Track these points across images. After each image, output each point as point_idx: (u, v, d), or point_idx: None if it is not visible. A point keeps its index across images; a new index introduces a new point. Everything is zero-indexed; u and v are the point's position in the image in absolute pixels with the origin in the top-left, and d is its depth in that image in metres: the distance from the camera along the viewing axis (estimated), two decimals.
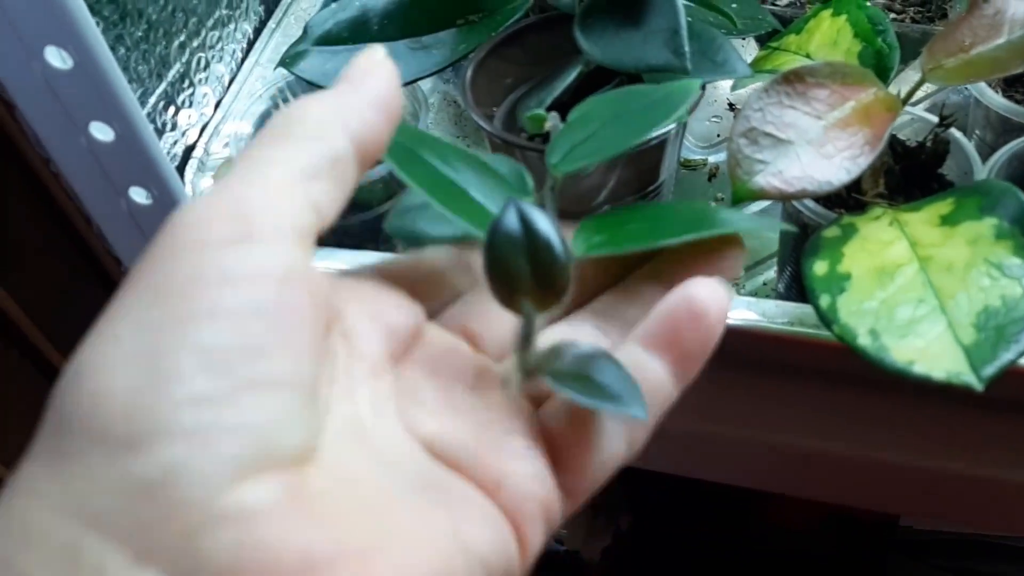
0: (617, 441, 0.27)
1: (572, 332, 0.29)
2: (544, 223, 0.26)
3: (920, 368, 0.33)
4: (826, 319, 0.36)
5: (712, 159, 0.60)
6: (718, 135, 0.61)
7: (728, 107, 0.63)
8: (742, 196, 0.38)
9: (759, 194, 0.38)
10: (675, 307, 0.27)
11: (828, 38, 0.48)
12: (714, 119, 0.62)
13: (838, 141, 0.38)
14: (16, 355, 0.50)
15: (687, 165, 0.60)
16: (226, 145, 0.53)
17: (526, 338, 0.26)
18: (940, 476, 0.47)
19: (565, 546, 0.86)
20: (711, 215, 0.31)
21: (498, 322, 0.29)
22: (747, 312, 0.43)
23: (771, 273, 0.54)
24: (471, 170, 0.30)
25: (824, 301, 0.36)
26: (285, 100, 0.56)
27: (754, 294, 0.53)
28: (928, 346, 0.34)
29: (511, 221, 0.26)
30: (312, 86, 0.54)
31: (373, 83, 0.26)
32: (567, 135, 0.33)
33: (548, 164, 0.32)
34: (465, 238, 0.30)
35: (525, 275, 0.26)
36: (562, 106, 0.46)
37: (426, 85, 0.50)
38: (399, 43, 0.51)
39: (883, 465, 0.48)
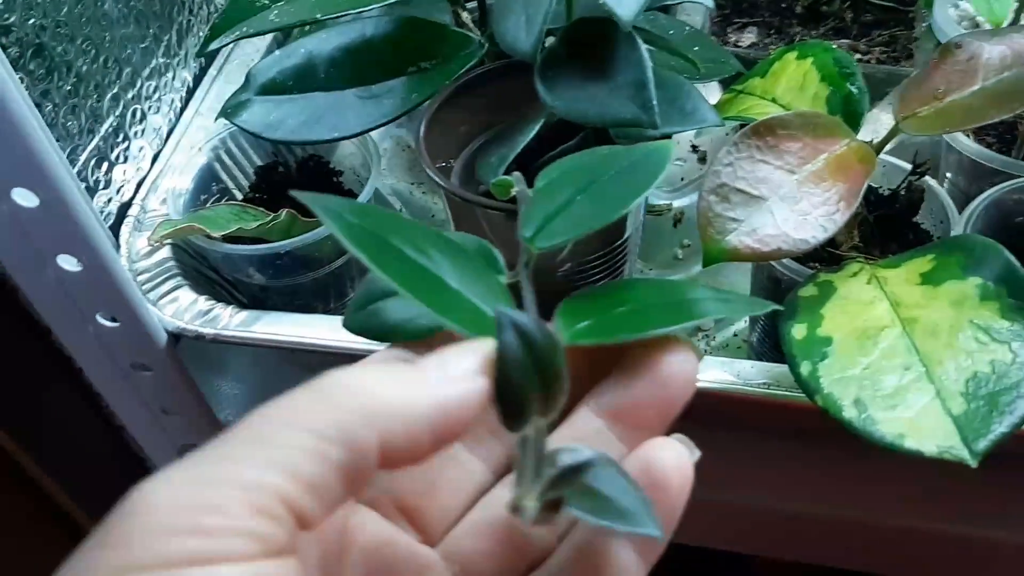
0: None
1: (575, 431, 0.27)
2: (543, 335, 0.24)
3: (911, 443, 0.31)
4: (808, 388, 0.34)
5: (677, 204, 0.58)
6: (682, 179, 0.60)
7: (692, 149, 0.61)
8: (715, 257, 0.36)
9: (732, 255, 0.36)
10: (636, 372, 0.25)
11: (795, 82, 0.47)
12: (677, 162, 0.61)
13: (813, 196, 0.36)
14: None
15: (651, 210, 0.58)
16: (163, 202, 0.50)
17: (539, 461, 0.24)
18: (935, 537, 0.45)
19: None
20: (698, 300, 0.29)
21: (443, 483, 0.26)
22: (722, 373, 0.41)
23: (741, 324, 0.52)
24: (443, 254, 0.27)
25: (805, 369, 0.34)
26: (227, 152, 0.54)
27: (725, 346, 0.51)
28: (917, 417, 0.32)
29: (512, 343, 0.24)
30: (255, 137, 0.51)
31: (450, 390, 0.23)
32: (539, 205, 0.31)
33: (522, 238, 0.30)
34: (437, 330, 0.28)
35: (534, 394, 0.24)
36: (525, 157, 0.43)
37: (377, 131, 0.47)
38: (347, 92, 0.48)
39: (872, 526, 0.46)
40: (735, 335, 0.52)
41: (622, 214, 0.30)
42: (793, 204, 0.36)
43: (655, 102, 0.38)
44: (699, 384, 0.40)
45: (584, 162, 0.32)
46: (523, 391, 0.23)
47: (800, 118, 0.39)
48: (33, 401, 0.53)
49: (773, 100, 0.47)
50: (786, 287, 0.42)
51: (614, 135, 0.42)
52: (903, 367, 0.33)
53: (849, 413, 0.32)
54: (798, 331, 0.35)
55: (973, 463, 0.30)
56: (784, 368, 0.40)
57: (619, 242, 0.45)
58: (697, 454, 0.26)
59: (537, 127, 0.41)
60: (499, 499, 0.26)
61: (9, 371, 0.51)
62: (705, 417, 0.46)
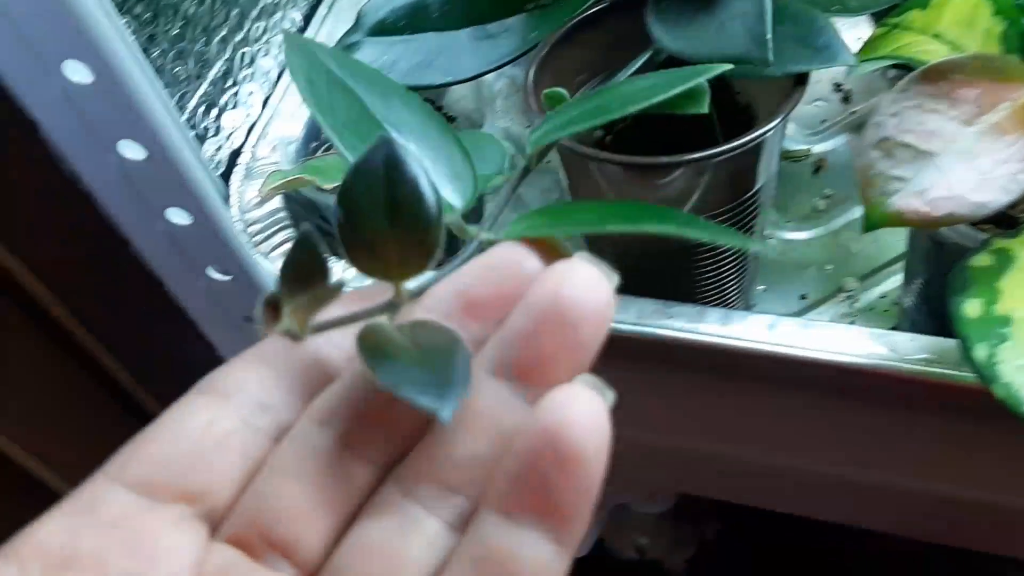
0: None
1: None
2: (411, 166, 0.22)
3: None
4: (985, 376, 0.30)
5: (817, 148, 0.53)
6: (823, 121, 0.55)
7: (835, 88, 0.56)
8: (877, 222, 0.32)
9: (897, 219, 0.32)
10: (535, 452, 0.19)
11: (962, 14, 0.41)
12: (818, 103, 0.55)
13: (993, 153, 0.32)
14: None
15: (788, 156, 0.54)
16: (274, 148, 0.48)
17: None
18: None
19: (647, 555, 0.81)
20: (673, 215, 0.26)
21: (321, 499, 0.21)
22: (873, 345, 0.37)
23: (891, 283, 0.47)
24: (415, 126, 0.28)
25: (981, 353, 0.30)
26: None
27: (870, 308, 0.47)
28: None
29: (372, 160, 0.22)
30: None
31: None
32: (561, 111, 0.30)
33: (529, 139, 0.30)
34: None
35: (385, 234, 0.22)
36: None
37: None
38: (461, 32, 0.45)
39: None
40: (882, 297, 0.47)
41: (624, 114, 0.29)
42: (970, 161, 0.32)
43: (769, 36, 0.34)
44: (845, 358, 0.37)
45: (624, 81, 0.30)
46: (369, 217, 0.22)
47: (979, 60, 0.34)
48: (155, 351, 0.53)
49: (936, 36, 0.42)
50: (950, 252, 0.37)
51: (728, 78, 0.37)
52: None
53: None
54: (972, 308, 0.31)
55: None
56: (947, 343, 0.36)
57: (749, 194, 0.41)
58: (611, 396, 0.20)
59: (639, 63, 0.38)
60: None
61: (128, 323, 0.51)
62: (848, 392, 0.42)
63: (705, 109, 0.35)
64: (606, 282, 0.21)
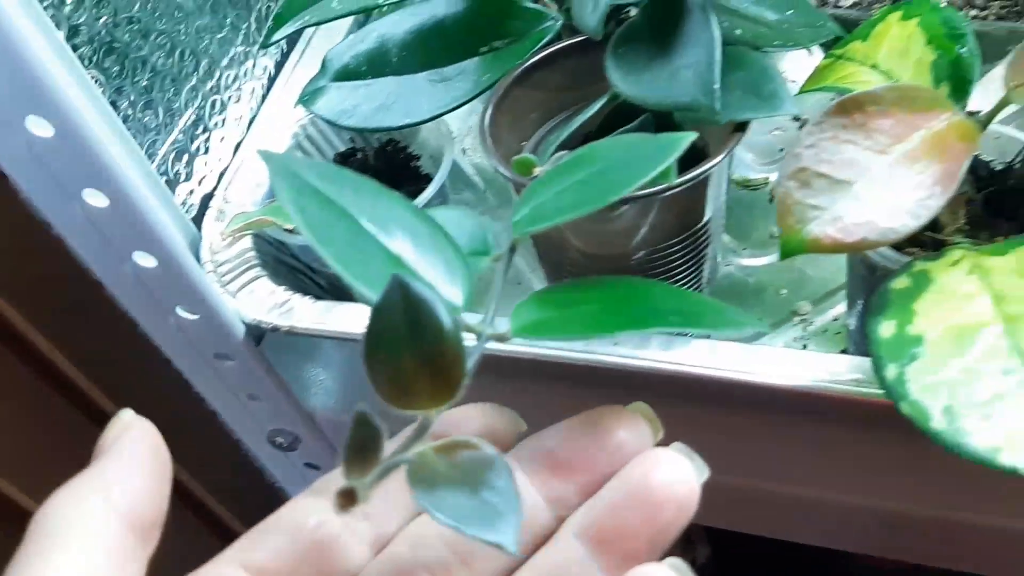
0: None
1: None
2: (429, 304, 0.24)
3: (1007, 458, 0.28)
4: (894, 394, 0.31)
5: (774, 176, 0.55)
6: (780, 149, 0.56)
7: (793, 117, 0.57)
8: (793, 249, 0.33)
9: (813, 246, 0.33)
10: (627, 494, 0.23)
11: (898, 45, 0.43)
12: (776, 131, 0.57)
13: (905, 180, 0.33)
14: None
15: (746, 185, 0.55)
16: (245, 192, 0.50)
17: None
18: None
19: None
20: (662, 311, 0.28)
21: None
22: (810, 368, 0.38)
23: (842, 307, 0.48)
24: (405, 230, 0.28)
25: (891, 372, 0.31)
26: (308, 138, 0.53)
27: (823, 331, 0.48)
28: (1017, 430, 0.28)
29: (391, 302, 0.23)
30: (331, 124, 0.50)
31: (131, 448, 0.24)
32: (539, 190, 0.30)
33: (512, 221, 0.30)
34: None
35: (410, 363, 0.23)
36: (589, 141, 0.41)
37: (461, 109, 0.46)
38: (419, 76, 0.47)
39: (971, 527, 0.42)
40: (835, 320, 0.48)
41: (607, 203, 0.29)
42: (883, 189, 0.33)
43: (717, 86, 0.35)
44: (788, 381, 0.38)
45: (599, 149, 0.31)
46: (395, 355, 0.23)
47: (893, 92, 0.35)
48: (131, 389, 0.55)
49: (874, 66, 0.43)
50: (882, 275, 0.38)
51: (679, 121, 0.39)
52: (1003, 371, 0.30)
53: (937, 423, 0.29)
54: (886, 329, 0.32)
55: None
56: None
57: (699, 226, 0.42)
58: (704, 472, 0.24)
59: (596, 108, 0.39)
60: None
61: (104, 362, 0.53)
62: (791, 411, 0.43)
63: (674, 180, 0.37)
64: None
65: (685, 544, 0.82)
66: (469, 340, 0.26)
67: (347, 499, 0.23)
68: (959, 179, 0.33)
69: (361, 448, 0.23)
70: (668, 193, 0.39)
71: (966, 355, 0.31)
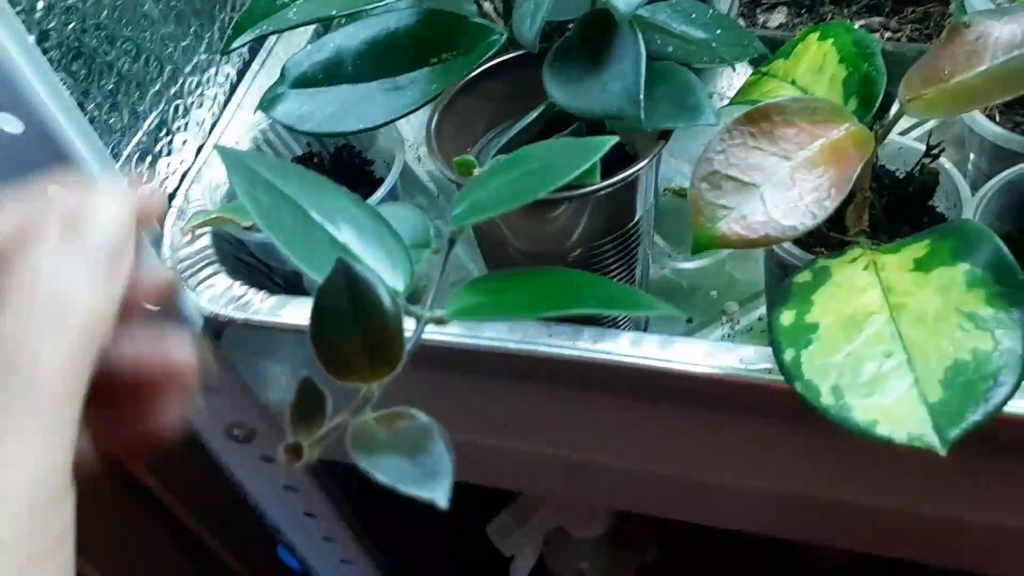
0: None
1: None
2: (370, 286, 0.26)
3: (883, 430, 0.31)
4: (789, 375, 0.34)
5: None
6: None
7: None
8: (704, 244, 0.37)
9: (721, 241, 0.36)
10: None
11: (814, 63, 0.46)
12: None
13: (805, 183, 0.36)
14: None
15: (681, 193, 0.58)
16: (205, 192, 0.53)
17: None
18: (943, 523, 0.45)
19: None
20: (588, 295, 0.31)
21: None
22: (723, 357, 0.41)
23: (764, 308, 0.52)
24: (352, 222, 0.30)
25: (788, 355, 0.34)
26: (267, 142, 0.56)
27: (749, 330, 0.51)
28: (893, 405, 0.32)
29: (334, 284, 0.26)
30: (289, 129, 0.53)
31: None
32: (475, 187, 0.33)
33: (449, 216, 0.33)
34: None
35: (354, 344, 0.26)
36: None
37: (414, 119, 0.49)
38: (373, 84, 0.50)
39: (898, 514, 0.46)
40: (760, 319, 0.52)
41: (537, 197, 0.32)
42: (785, 191, 0.36)
43: (642, 97, 0.38)
44: (704, 368, 0.41)
45: (532, 151, 0.34)
46: (339, 332, 0.26)
47: (797, 103, 0.38)
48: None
49: (792, 82, 0.47)
50: (792, 272, 0.42)
51: (609, 127, 0.42)
52: (885, 354, 0.33)
53: (826, 400, 0.32)
54: (786, 317, 0.36)
55: (942, 451, 0.30)
56: None
57: (630, 224, 0.46)
58: None
59: (534, 116, 0.42)
60: None
61: None
62: (711, 400, 0.46)
63: (597, 180, 0.40)
64: None
65: (635, 544, 0.85)
66: (410, 325, 0.29)
67: (294, 454, 0.25)
68: (851, 182, 0.36)
69: (306, 410, 0.26)
70: (600, 193, 0.42)
71: (855, 341, 0.34)
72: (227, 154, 0.32)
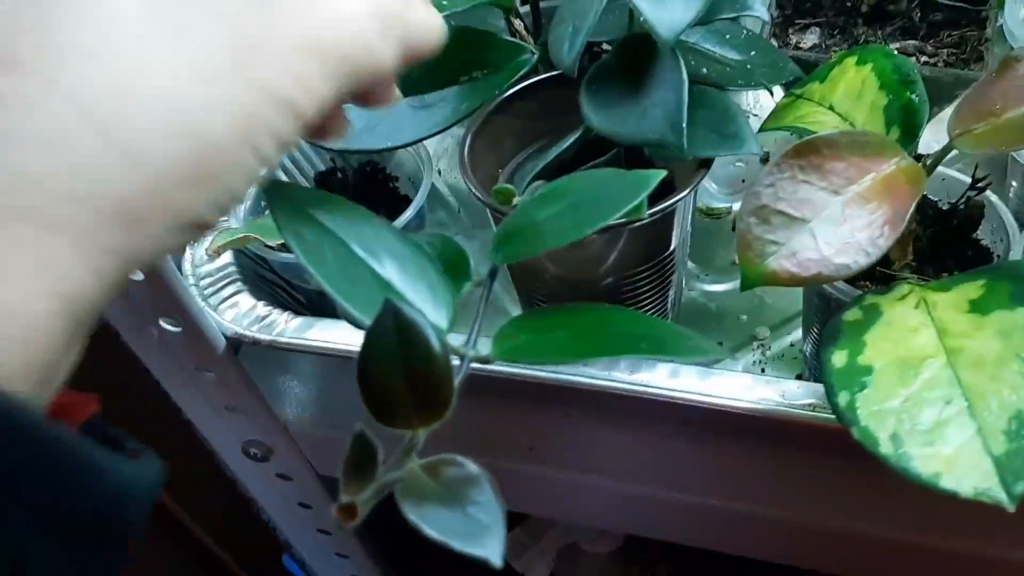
0: None
1: None
2: (420, 331, 0.25)
3: (948, 483, 0.30)
4: (845, 420, 0.33)
5: (737, 207, 0.57)
6: (743, 180, 0.59)
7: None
8: (753, 281, 0.36)
9: (771, 279, 0.36)
10: None
11: (853, 89, 0.45)
12: (739, 163, 0.59)
13: (857, 219, 0.36)
14: None
15: (710, 213, 0.58)
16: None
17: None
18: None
19: None
20: (635, 337, 0.30)
21: None
22: (765, 392, 0.40)
23: (799, 333, 0.51)
24: (393, 256, 0.30)
25: (843, 399, 0.33)
26: (290, 158, 0.55)
27: (780, 356, 0.51)
28: (956, 455, 0.31)
29: (384, 327, 0.25)
30: (313, 146, 0.52)
31: None
32: (515, 219, 0.32)
33: (489, 249, 0.32)
34: None
35: (399, 387, 0.25)
36: (564, 170, 0.44)
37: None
38: (402, 102, 0.49)
39: (922, 548, 0.45)
40: (792, 345, 0.51)
41: (583, 236, 0.31)
42: (836, 227, 0.36)
43: (684, 125, 0.38)
44: (745, 403, 0.40)
45: (575, 182, 0.33)
46: (387, 377, 0.25)
47: (846, 137, 0.38)
48: (106, 399, 0.55)
49: (830, 108, 0.46)
50: (835, 306, 0.41)
51: (649, 155, 0.41)
52: (944, 400, 0.32)
53: (885, 448, 0.32)
54: (838, 358, 0.35)
55: (1011, 507, 0.29)
56: None
57: (665, 254, 0.45)
58: None
59: (571, 140, 0.42)
60: None
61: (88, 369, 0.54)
62: (751, 434, 0.45)
63: (644, 215, 0.39)
64: None
65: (647, 561, 0.84)
66: (453, 362, 0.28)
67: (348, 514, 0.25)
68: (906, 219, 0.35)
69: (359, 466, 0.25)
70: (637, 224, 0.41)
71: (911, 385, 0.33)
72: (271, 188, 0.31)
